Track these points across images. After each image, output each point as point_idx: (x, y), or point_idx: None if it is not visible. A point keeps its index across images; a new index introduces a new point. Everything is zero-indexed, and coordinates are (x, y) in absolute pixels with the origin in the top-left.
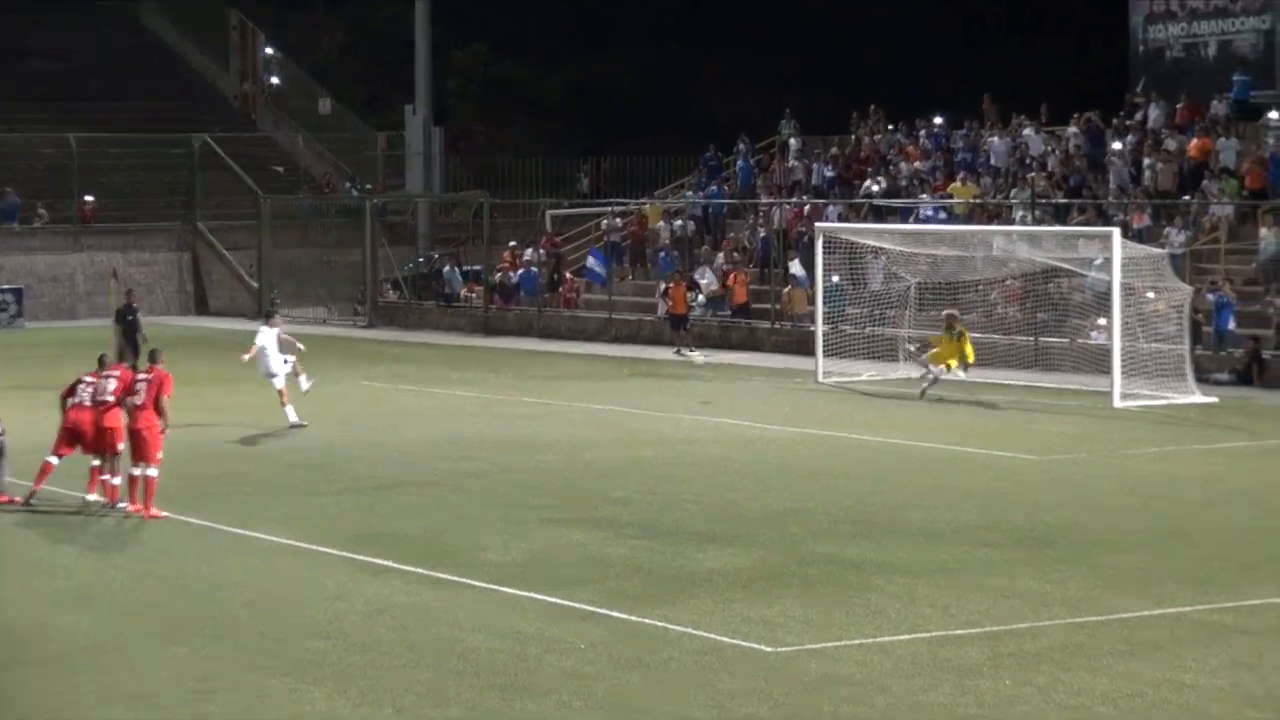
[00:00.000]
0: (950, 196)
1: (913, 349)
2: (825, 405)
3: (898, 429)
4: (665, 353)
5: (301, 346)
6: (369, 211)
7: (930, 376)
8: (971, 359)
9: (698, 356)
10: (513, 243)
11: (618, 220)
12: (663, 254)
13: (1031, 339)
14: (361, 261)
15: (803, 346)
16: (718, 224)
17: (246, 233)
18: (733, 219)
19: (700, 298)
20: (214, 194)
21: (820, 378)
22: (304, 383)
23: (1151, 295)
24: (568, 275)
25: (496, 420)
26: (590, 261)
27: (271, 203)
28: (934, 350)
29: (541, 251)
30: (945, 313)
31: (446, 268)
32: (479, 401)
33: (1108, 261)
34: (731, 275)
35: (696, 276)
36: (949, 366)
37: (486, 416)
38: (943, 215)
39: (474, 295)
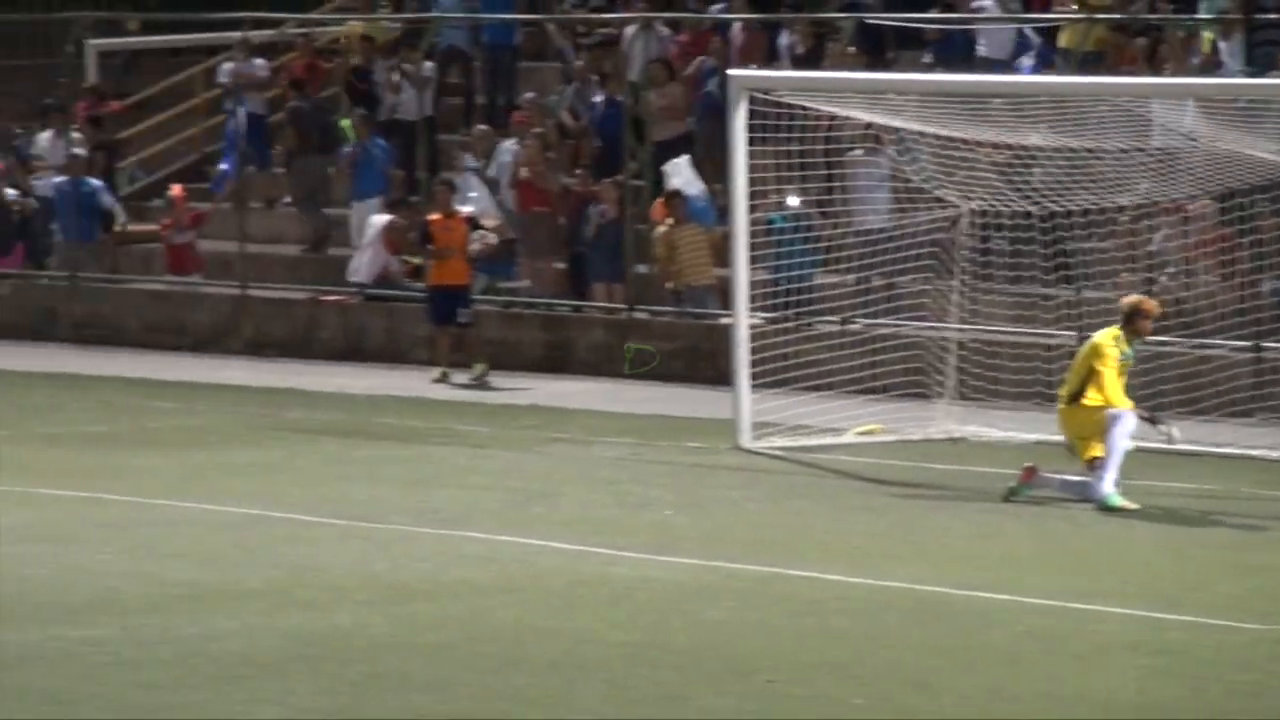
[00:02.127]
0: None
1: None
2: (767, 502)
3: (938, 562)
4: (405, 381)
5: None
6: None
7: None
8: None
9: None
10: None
11: (258, 63)
12: (375, 148)
13: (1249, 346)
14: None
15: (702, 364)
16: (501, 65)
17: None
18: (531, 61)
19: (477, 243)
20: None
21: (745, 440)
22: None
23: None
24: (174, 189)
25: None
26: (224, 165)
27: None
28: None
29: (76, 135)
30: (1126, 300)
31: None
32: None
33: None
34: (529, 169)
35: (459, 199)
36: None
37: None
38: (1042, 55)
39: None
